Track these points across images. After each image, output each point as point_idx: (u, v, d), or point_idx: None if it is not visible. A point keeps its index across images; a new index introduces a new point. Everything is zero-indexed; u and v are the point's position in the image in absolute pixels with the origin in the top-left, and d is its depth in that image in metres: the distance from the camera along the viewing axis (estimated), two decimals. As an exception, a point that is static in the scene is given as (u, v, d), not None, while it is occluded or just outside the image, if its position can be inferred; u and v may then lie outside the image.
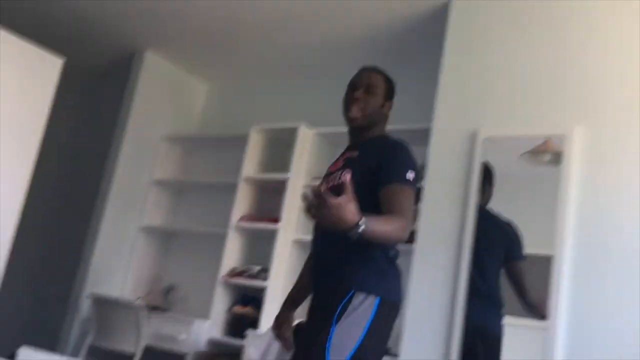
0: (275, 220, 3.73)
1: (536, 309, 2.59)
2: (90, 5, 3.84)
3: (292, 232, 3.71)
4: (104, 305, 3.73)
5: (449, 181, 2.87)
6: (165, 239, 4.53)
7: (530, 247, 2.63)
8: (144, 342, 3.45)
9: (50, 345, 3.88)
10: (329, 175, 2.07)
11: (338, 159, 2.12)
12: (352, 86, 2.14)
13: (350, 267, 1.88)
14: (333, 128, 3.84)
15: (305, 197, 1.68)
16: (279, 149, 4.06)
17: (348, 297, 1.83)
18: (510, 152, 2.79)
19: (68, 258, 4.33)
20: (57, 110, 3.30)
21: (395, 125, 3.54)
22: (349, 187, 1.65)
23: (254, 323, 3.54)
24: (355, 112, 2.07)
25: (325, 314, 1.84)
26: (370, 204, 1.81)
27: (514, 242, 2.69)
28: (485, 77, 2.95)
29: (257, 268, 3.74)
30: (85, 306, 4.00)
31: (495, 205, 2.75)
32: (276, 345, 2.37)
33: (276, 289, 3.59)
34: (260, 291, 3.64)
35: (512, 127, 2.80)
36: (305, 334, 1.98)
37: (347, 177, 1.68)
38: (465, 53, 3.05)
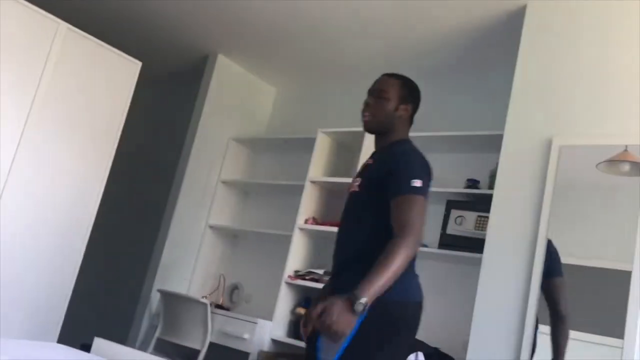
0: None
1: (564, 320, 2.60)
2: (166, 11, 3.98)
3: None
4: (172, 301, 3.84)
5: (521, 189, 2.79)
6: (231, 238, 4.62)
7: (606, 261, 2.52)
8: (209, 339, 3.53)
9: (121, 338, 4.03)
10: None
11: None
12: (368, 92, 2.19)
13: (360, 272, 1.83)
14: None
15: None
16: (345, 153, 4.07)
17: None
18: (586, 161, 2.68)
19: (139, 255, 4.49)
20: (133, 111, 3.43)
21: (467, 131, 3.53)
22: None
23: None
24: (365, 117, 2.13)
25: None
26: (383, 213, 1.91)
27: (553, 258, 2.63)
28: (561, 83, 2.85)
29: (321, 271, 3.76)
30: (154, 301, 4.14)
31: (570, 217, 2.65)
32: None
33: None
34: (317, 292, 3.64)
35: (589, 135, 2.69)
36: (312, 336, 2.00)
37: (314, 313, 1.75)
38: (540, 58, 2.96)
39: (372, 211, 1.97)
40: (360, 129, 3.74)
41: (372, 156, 2.14)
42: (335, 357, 1.81)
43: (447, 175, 3.73)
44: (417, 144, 3.66)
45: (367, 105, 2.14)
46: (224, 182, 4.56)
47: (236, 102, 4.70)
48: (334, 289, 1.97)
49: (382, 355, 1.86)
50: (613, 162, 2.62)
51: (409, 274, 1.93)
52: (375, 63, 4.13)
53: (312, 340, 2.01)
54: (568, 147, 2.71)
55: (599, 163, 2.63)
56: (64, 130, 3.12)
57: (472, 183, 3.45)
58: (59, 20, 3.06)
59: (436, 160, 3.79)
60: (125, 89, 3.37)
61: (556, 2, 2.98)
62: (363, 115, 2.14)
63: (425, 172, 1.99)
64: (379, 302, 1.78)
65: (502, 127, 2.98)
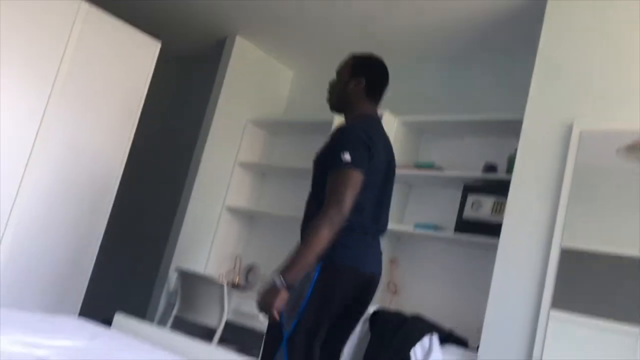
0: (356, 206, 3.73)
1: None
2: (186, -9, 3.98)
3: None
4: (189, 280, 3.90)
5: (540, 175, 2.78)
6: (247, 220, 4.66)
7: (624, 247, 2.50)
8: (225, 317, 3.58)
9: (140, 314, 4.10)
10: None
11: None
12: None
13: None
14: (417, 116, 3.80)
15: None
16: (363, 136, 4.06)
17: None
18: (606, 147, 2.65)
19: (158, 234, 4.55)
20: (152, 91, 3.45)
21: (486, 115, 3.50)
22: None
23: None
24: (327, 99, 2.33)
25: None
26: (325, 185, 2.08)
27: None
28: (582, 68, 2.82)
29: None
30: (172, 280, 4.20)
31: (588, 203, 2.64)
32: (357, 330, 2.41)
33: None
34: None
35: (609, 120, 2.66)
36: None
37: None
38: (562, 42, 2.93)
39: (320, 187, 2.11)
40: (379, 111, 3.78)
41: None
42: (297, 316, 2.04)
43: (465, 160, 3.72)
44: (436, 128, 3.67)
45: (328, 86, 2.33)
46: (241, 164, 4.59)
47: (254, 84, 4.71)
48: None
49: (319, 310, 2.07)
50: (633, 148, 2.59)
51: (356, 243, 2.13)
52: (395, 46, 4.11)
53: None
54: (588, 132, 2.69)
55: (619, 148, 2.61)
56: (85, 109, 3.15)
57: (490, 167, 3.43)
58: (79, 0, 3.08)
59: (454, 144, 3.84)
60: (145, 69, 3.39)
61: (580, -14, 2.93)
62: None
63: (358, 144, 2.08)
64: (327, 267, 2.05)
65: (522, 112, 2.96)
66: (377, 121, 2.33)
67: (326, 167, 2.12)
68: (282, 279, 1.96)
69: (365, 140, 2.12)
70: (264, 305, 2.00)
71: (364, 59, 2.33)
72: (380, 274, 2.28)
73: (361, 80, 2.26)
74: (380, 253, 2.28)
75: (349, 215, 2.04)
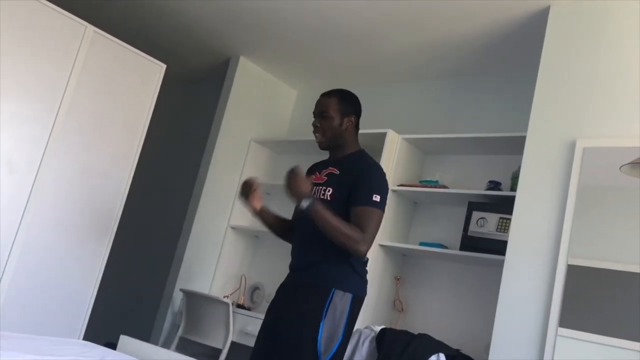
0: (361, 225, 3.73)
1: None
2: (189, 14, 4.02)
3: (378, 236, 3.70)
4: (194, 301, 3.89)
5: (544, 191, 2.78)
6: (252, 239, 4.65)
7: (628, 264, 2.49)
8: (231, 338, 3.57)
9: (144, 337, 4.08)
10: (313, 185, 2.34)
11: (321, 170, 2.40)
12: (314, 115, 2.42)
13: (330, 267, 2.19)
14: (421, 134, 3.81)
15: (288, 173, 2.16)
16: (367, 154, 4.07)
17: (331, 294, 2.14)
18: (610, 163, 2.65)
19: (162, 254, 4.54)
20: (157, 112, 3.48)
21: (489, 132, 3.51)
22: (299, 173, 2.15)
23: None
24: (317, 138, 2.38)
25: (311, 310, 2.14)
26: (348, 217, 2.18)
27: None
28: (585, 85, 2.83)
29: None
30: (177, 301, 4.18)
31: (593, 219, 2.63)
32: (364, 349, 2.42)
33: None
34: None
35: (612, 137, 2.67)
36: (286, 328, 2.19)
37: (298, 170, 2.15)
38: (563, 59, 2.94)
39: (344, 218, 2.18)
40: (382, 130, 3.82)
41: (335, 166, 2.36)
42: (335, 347, 2.12)
43: (469, 177, 3.72)
44: (439, 146, 3.71)
45: (316, 127, 2.37)
46: (245, 183, 4.59)
47: (258, 104, 4.73)
48: (298, 284, 2.24)
49: (348, 338, 2.22)
50: (636, 164, 2.59)
51: (366, 275, 2.31)
52: (398, 64, 4.14)
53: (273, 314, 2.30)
54: (591, 149, 2.69)
55: (623, 165, 2.61)
56: (91, 131, 3.18)
57: (494, 185, 3.44)
58: (85, 23, 3.12)
59: (458, 162, 3.84)
60: (149, 91, 3.42)
61: (580, 3, 2.96)
62: (315, 137, 2.39)
63: (384, 188, 2.27)
64: (356, 298, 2.20)
65: (525, 129, 2.97)
66: None
67: (352, 199, 2.22)
68: (308, 202, 2.10)
69: (387, 183, 2.33)
70: (294, 188, 2.13)
71: (348, 95, 2.45)
72: None
73: (352, 118, 2.39)
74: None
75: None
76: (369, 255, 3.60)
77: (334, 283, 2.17)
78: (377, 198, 2.19)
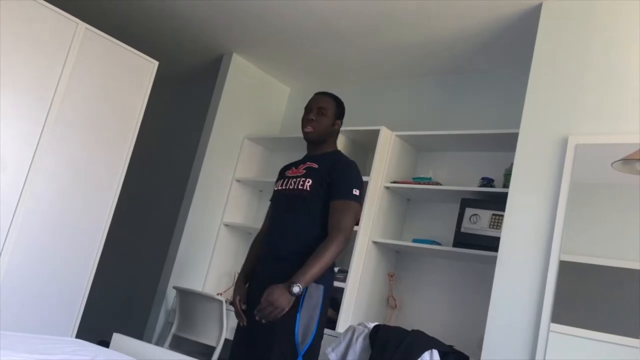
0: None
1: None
2: (182, 11, 4.01)
3: (371, 233, 3.72)
4: (188, 298, 3.88)
5: (536, 188, 2.79)
6: (245, 236, 4.65)
7: (622, 260, 2.50)
8: (224, 335, 3.56)
9: (137, 334, 4.07)
10: (287, 178, 2.53)
11: (298, 165, 2.57)
12: (307, 109, 2.60)
13: (304, 259, 2.27)
14: (414, 131, 3.82)
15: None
16: (360, 151, 4.08)
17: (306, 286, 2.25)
18: (602, 159, 2.66)
19: (155, 252, 4.53)
20: (149, 110, 3.46)
21: (482, 129, 3.53)
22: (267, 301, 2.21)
23: (332, 323, 3.57)
24: (308, 129, 2.54)
25: None
26: (325, 210, 2.38)
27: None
28: (577, 81, 2.84)
29: (335, 269, 3.77)
30: (170, 298, 4.18)
31: (585, 216, 2.65)
32: (358, 346, 2.44)
33: (354, 290, 3.60)
34: (338, 292, 3.66)
35: (604, 133, 2.68)
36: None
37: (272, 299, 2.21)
38: (555, 56, 2.96)
39: (321, 211, 2.39)
40: (376, 127, 3.82)
41: (313, 161, 2.52)
42: (311, 337, 2.26)
43: (462, 174, 3.74)
44: (432, 143, 3.76)
45: (310, 120, 2.54)
46: (238, 181, 4.59)
47: (251, 101, 4.73)
48: (271, 274, 2.34)
49: (322, 329, 2.37)
50: (628, 161, 2.60)
51: (334, 267, 2.47)
52: (390, 62, 4.14)
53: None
54: (584, 146, 2.70)
55: (615, 161, 2.62)
56: (83, 128, 3.16)
57: (487, 181, 3.45)
58: (77, 20, 3.10)
59: (451, 159, 3.86)
60: (142, 88, 3.40)
61: (571, 0, 2.97)
62: (306, 128, 2.55)
63: (361, 184, 2.45)
64: (328, 290, 2.36)
65: (518, 126, 2.98)
66: None
67: (331, 193, 2.40)
68: (300, 288, 2.20)
69: (362, 180, 2.51)
70: (277, 306, 2.18)
71: (341, 102, 2.67)
72: None
73: (339, 122, 2.63)
74: None
75: None
76: (363, 252, 3.70)
77: None
78: (356, 192, 2.40)
